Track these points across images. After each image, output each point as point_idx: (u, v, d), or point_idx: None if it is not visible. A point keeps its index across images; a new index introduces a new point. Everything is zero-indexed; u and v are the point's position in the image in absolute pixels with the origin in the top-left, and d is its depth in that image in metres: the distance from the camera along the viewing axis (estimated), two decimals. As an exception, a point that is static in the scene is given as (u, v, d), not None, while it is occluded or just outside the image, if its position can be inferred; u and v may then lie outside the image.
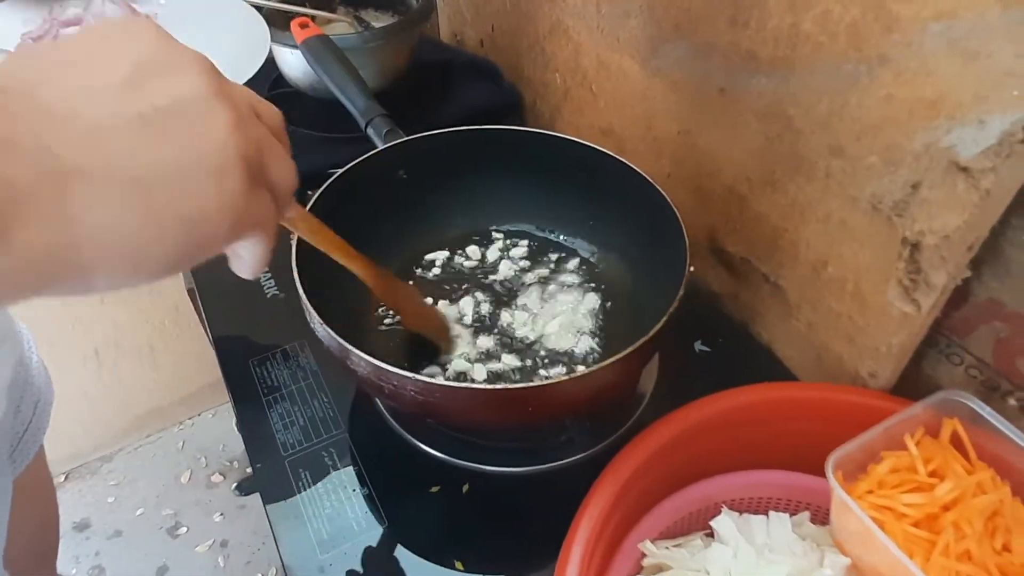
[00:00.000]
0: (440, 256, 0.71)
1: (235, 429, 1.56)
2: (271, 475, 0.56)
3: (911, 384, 0.54)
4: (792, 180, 0.56)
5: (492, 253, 0.72)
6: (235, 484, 1.49)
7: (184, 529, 1.40)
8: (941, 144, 0.42)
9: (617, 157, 0.63)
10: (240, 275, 0.34)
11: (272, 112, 0.33)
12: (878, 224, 0.49)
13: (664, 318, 0.49)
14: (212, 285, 0.74)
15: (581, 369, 0.54)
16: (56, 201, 0.23)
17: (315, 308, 0.49)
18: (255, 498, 1.45)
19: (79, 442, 1.49)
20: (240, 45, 0.73)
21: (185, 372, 1.53)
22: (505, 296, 0.67)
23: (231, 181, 0.27)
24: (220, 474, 1.49)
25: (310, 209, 0.57)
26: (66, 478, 1.49)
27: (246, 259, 0.33)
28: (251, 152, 0.28)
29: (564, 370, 0.61)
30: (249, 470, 1.46)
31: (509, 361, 0.61)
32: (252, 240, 0.31)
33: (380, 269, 0.52)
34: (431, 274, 0.70)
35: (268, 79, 1.00)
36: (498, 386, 0.45)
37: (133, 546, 1.38)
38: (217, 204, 0.27)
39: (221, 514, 1.42)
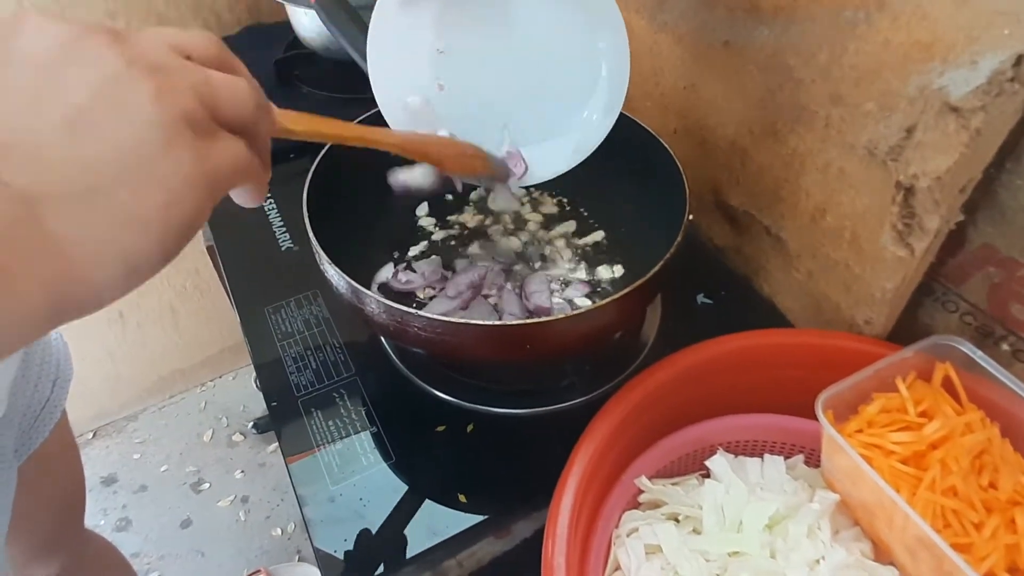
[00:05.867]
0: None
1: (255, 391, 1.60)
2: (285, 413, 0.59)
3: (908, 332, 0.55)
4: (793, 131, 0.57)
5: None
6: (252, 423, 1.53)
7: (207, 485, 1.45)
8: (934, 86, 0.43)
9: (624, 113, 0.64)
10: (244, 206, 0.33)
11: (200, 43, 0.29)
12: (874, 170, 0.50)
13: (660, 263, 0.50)
14: (229, 241, 0.77)
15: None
16: (35, 228, 0.23)
17: (326, 252, 0.51)
18: (274, 457, 1.49)
19: (105, 401, 1.54)
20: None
21: (206, 335, 1.56)
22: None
23: (179, 152, 0.25)
24: (240, 434, 1.53)
25: (319, 162, 0.58)
26: (94, 435, 1.54)
27: (243, 196, 0.33)
28: (189, 107, 0.26)
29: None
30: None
31: None
32: (239, 184, 0.29)
33: (402, 135, 0.49)
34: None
35: (284, 41, 1.01)
36: (497, 322, 0.46)
37: (158, 500, 1.43)
38: (180, 180, 0.25)
39: (242, 471, 1.47)
